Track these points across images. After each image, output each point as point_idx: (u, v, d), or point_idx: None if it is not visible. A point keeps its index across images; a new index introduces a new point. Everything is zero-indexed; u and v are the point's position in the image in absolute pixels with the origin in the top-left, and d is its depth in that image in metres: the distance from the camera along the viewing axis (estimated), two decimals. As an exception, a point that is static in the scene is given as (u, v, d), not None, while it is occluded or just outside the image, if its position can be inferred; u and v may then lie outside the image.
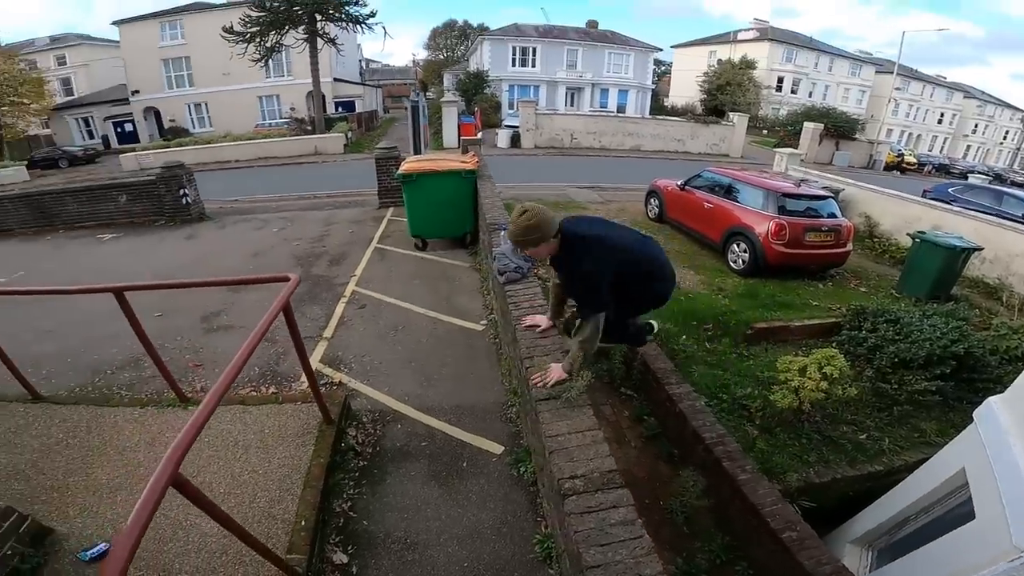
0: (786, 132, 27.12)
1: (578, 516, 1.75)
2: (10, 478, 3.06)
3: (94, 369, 4.41)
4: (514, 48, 32.02)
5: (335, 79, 29.98)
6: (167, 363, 3.57)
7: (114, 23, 29.48)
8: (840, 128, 24.55)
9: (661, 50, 38.48)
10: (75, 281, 5.56)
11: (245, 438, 3.25)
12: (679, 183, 8.41)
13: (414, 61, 59.30)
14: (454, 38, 56.03)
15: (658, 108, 37.77)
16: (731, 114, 24.39)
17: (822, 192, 7.22)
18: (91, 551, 2.59)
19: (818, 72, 40.41)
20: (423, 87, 39.80)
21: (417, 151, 13.13)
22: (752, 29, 39.92)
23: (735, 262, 6.80)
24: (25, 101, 27.90)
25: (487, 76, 29.02)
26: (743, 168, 9.87)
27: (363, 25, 22.62)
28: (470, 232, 6.88)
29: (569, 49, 33.05)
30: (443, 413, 3.64)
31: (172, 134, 27.66)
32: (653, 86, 37.73)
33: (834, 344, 4.61)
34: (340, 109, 29.59)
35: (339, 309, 5.33)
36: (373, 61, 55.38)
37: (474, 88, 27.81)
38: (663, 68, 50.82)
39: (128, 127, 31.47)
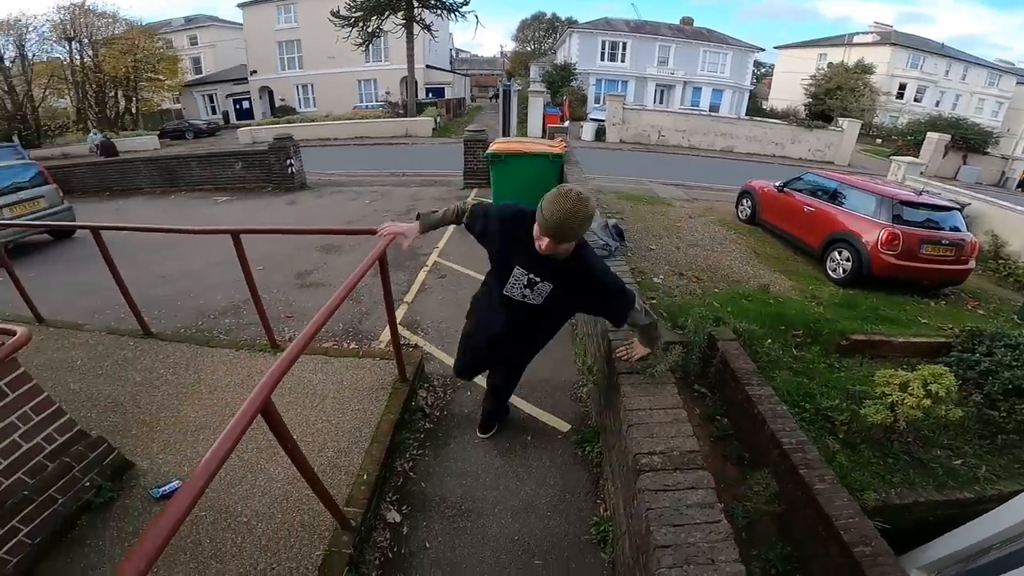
0: (904, 142, 24.42)
1: (652, 493, 1.67)
2: (108, 409, 3.23)
3: (199, 313, 4.87)
4: (603, 42, 31.25)
5: (427, 66, 31.00)
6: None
7: (238, 6, 32.18)
8: (970, 141, 21.70)
9: (763, 50, 36.05)
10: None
11: (324, 388, 3.38)
12: (777, 184, 7.92)
13: (502, 52, 60.07)
14: (542, 30, 55.88)
15: (755, 110, 35.50)
16: (840, 119, 22.38)
17: (946, 203, 6.45)
18: (163, 488, 2.59)
19: (948, 80, 36.06)
20: (509, 77, 40.20)
21: (506, 134, 13.34)
22: (872, 33, 36.37)
23: (834, 270, 6.27)
24: (161, 77, 31.25)
25: (574, 69, 28.71)
26: (852, 173, 9.09)
27: (456, 13, 23.34)
28: (552, 215, 6.89)
29: (661, 45, 31.75)
30: (513, 385, 3.67)
31: (281, 112, 30.05)
32: (751, 87, 35.49)
33: (942, 365, 4.16)
34: (431, 95, 30.57)
35: (421, 277, 5.56)
36: (463, 51, 56.66)
37: (560, 80, 27.61)
38: (763, 70, 47.73)
39: (245, 104, 34.51)
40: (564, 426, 3.25)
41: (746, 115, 29.84)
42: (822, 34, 38.82)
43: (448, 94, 32.60)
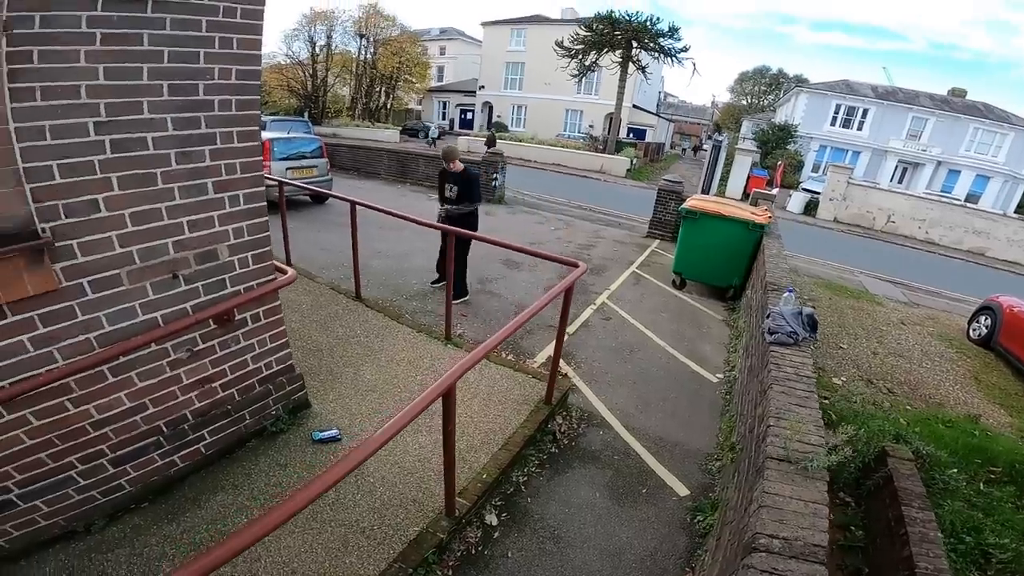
0: None
1: (757, 572, 1.57)
2: (311, 352, 3.86)
3: (395, 290, 5.74)
4: (838, 106, 27.91)
5: (634, 105, 31.47)
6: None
7: (482, 24, 36.47)
8: None
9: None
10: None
11: (477, 387, 3.76)
12: (1038, 306, 6.33)
13: (713, 102, 57.78)
14: (764, 84, 52.70)
15: (1033, 209, 28.14)
16: None
17: None
18: (324, 433, 2.85)
19: None
20: (717, 129, 38.58)
21: (706, 191, 12.99)
22: None
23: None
24: (414, 80, 36.71)
25: (795, 131, 26.30)
26: None
27: (674, 58, 23.49)
28: (736, 286, 6.47)
29: (915, 117, 27.15)
30: (646, 439, 3.68)
31: (496, 127, 33.34)
32: (1034, 179, 28.24)
33: None
34: (632, 135, 31.08)
35: (586, 313, 5.79)
36: (671, 95, 55.94)
37: (776, 141, 25.58)
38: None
39: (469, 116, 39.05)
40: (683, 490, 3.22)
41: (1015, 212, 23.79)
42: None
43: (649, 137, 32.70)
